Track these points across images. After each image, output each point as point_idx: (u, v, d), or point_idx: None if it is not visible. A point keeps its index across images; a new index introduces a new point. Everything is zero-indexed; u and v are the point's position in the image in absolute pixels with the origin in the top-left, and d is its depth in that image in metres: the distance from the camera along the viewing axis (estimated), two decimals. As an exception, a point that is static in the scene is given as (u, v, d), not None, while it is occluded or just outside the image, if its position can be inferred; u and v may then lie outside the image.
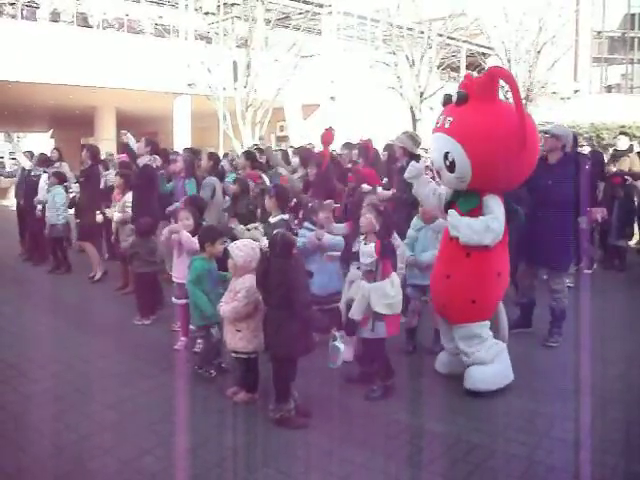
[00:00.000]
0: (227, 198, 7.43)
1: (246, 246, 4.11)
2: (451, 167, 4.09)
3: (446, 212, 4.31)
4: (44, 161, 9.26)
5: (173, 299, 5.28)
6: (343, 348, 3.92)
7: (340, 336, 3.95)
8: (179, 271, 5.16)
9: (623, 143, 9.46)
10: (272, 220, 5.23)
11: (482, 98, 4.05)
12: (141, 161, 7.25)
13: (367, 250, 4.17)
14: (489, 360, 4.24)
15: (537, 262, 5.44)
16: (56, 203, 8.27)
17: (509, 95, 4.38)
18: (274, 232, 4.39)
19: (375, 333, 4.09)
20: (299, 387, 3.90)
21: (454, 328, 4.36)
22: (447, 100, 4.29)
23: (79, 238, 8.27)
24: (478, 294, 4.23)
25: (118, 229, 7.23)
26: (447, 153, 4.08)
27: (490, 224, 4.08)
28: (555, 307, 5.35)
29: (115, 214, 7.23)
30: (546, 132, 5.42)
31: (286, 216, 5.31)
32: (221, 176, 7.84)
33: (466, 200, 4.23)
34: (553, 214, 5.17)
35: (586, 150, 10.01)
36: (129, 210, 7.02)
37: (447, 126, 4.11)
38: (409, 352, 5.06)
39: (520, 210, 4.47)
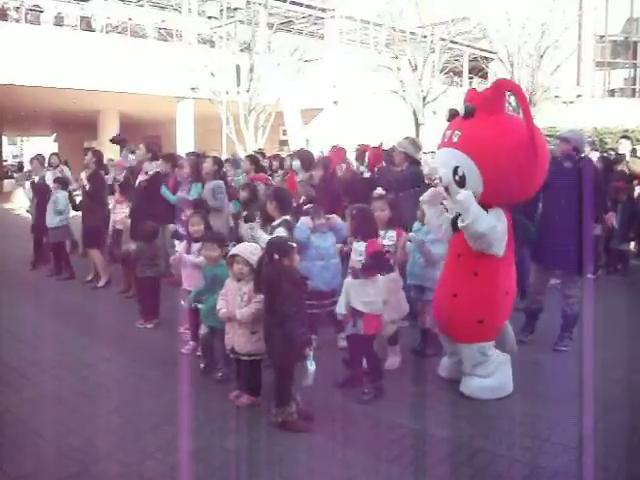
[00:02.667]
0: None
1: (256, 249, 4.14)
2: (461, 182, 4.01)
3: (453, 232, 4.26)
4: (62, 181, 8.82)
5: (182, 302, 5.28)
6: (313, 369, 3.80)
7: (312, 356, 3.82)
8: (189, 279, 5.20)
9: (625, 147, 9.47)
10: (274, 223, 5.20)
11: (489, 111, 4.01)
12: (146, 167, 7.33)
13: (359, 248, 4.29)
14: (487, 375, 4.24)
15: (552, 265, 5.34)
16: (58, 206, 8.26)
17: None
18: (272, 236, 4.44)
19: (356, 329, 4.18)
20: (302, 391, 3.90)
21: (458, 346, 4.31)
22: (453, 114, 4.26)
23: (84, 244, 8.22)
24: (486, 314, 4.18)
25: (121, 231, 7.27)
26: (457, 167, 4.01)
27: (496, 224, 4.00)
28: (568, 312, 5.32)
29: (120, 216, 7.32)
30: (558, 136, 5.45)
31: (288, 217, 5.26)
32: (224, 180, 7.86)
33: None
34: (569, 217, 5.07)
35: (594, 156, 9.97)
36: None
37: (455, 140, 4.04)
38: (417, 352, 5.11)
39: (531, 226, 4.38)
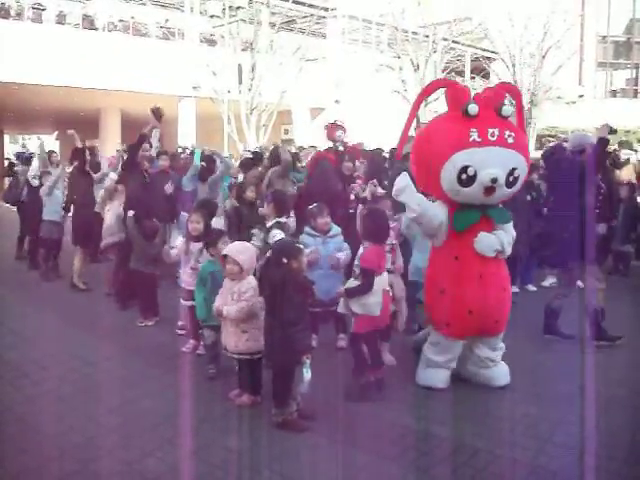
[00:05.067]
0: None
1: (246, 248, 4.14)
2: (513, 183, 4.13)
3: (457, 229, 4.23)
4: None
5: (181, 301, 5.29)
6: (309, 377, 3.70)
7: (309, 364, 3.72)
8: (186, 277, 5.21)
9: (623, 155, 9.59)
10: (268, 224, 5.22)
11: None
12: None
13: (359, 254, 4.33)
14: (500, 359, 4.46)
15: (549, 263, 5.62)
16: (56, 200, 8.22)
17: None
18: (276, 240, 4.44)
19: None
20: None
21: (492, 340, 4.34)
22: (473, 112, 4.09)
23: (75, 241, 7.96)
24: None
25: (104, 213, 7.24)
26: (514, 169, 4.06)
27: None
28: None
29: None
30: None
31: (283, 219, 5.25)
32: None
33: (501, 214, 4.31)
34: (571, 213, 5.24)
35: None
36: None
37: (511, 141, 4.03)
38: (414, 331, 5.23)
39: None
